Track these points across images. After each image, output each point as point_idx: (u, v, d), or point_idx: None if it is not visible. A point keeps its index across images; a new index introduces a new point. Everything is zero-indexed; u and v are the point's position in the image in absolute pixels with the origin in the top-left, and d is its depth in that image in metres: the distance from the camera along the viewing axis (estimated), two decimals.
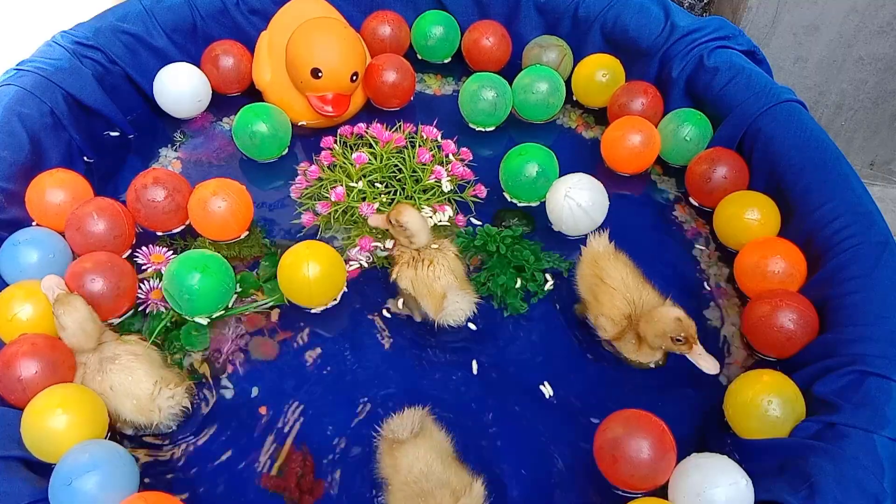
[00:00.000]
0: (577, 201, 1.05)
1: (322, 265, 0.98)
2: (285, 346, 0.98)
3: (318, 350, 0.98)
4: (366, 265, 1.07)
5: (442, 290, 0.98)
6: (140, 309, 1.00)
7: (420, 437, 0.81)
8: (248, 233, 1.11)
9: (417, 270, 1.00)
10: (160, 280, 1.01)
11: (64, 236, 1.03)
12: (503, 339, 1.00)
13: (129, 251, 1.07)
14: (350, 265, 1.07)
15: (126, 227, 1.04)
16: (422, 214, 1.03)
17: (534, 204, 1.16)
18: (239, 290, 1.03)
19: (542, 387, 0.95)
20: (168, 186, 1.06)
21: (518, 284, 1.05)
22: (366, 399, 0.93)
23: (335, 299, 1.03)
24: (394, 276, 1.01)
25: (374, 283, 1.06)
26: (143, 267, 1.04)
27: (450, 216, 1.13)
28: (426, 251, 1.01)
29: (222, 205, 1.05)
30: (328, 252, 1.00)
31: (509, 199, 1.17)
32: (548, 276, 1.06)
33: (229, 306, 1.01)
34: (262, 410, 0.92)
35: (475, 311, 1.00)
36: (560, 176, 1.11)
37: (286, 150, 1.26)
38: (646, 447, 0.79)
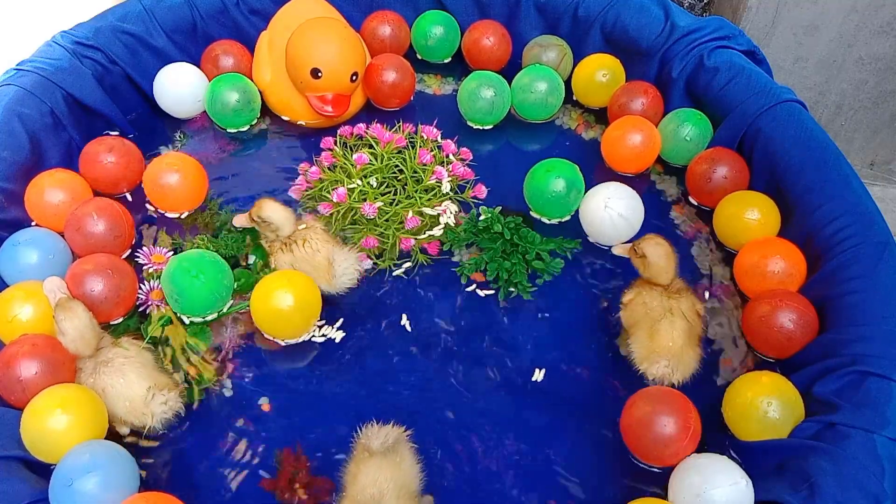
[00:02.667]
0: (617, 211, 1.05)
1: (296, 296, 0.95)
2: (285, 347, 0.98)
3: (319, 351, 0.98)
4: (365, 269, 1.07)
5: (326, 260, 1.00)
6: (140, 310, 1.00)
7: (388, 459, 0.79)
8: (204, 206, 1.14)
9: (294, 252, 1.01)
10: (160, 280, 1.00)
11: (63, 237, 1.03)
12: (509, 335, 1.01)
13: (129, 251, 1.07)
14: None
15: (126, 227, 1.04)
16: (282, 205, 1.03)
17: (565, 219, 1.14)
18: (237, 287, 1.03)
19: (536, 370, 0.96)
20: (119, 152, 1.12)
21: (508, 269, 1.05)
22: (365, 400, 0.94)
23: (308, 333, 0.99)
24: (273, 265, 1.03)
25: (376, 285, 1.06)
26: (144, 267, 1.04)
27: (454, 213, 1.13)
28: (297, 233, 1.03)
29: (175, 177, 1.08)
30: (305, 283, 0.97)
31: (537, 218, 1.15)
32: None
33: (223, 311, 1.01)
34: (263, 409, 0.92)
35: (363, 271, 1.03)
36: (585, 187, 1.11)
37: (256, 120, 1.30)
38: (672, 422, 0.81)
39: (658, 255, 0.96)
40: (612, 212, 1.05)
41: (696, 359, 0.93)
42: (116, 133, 1.27)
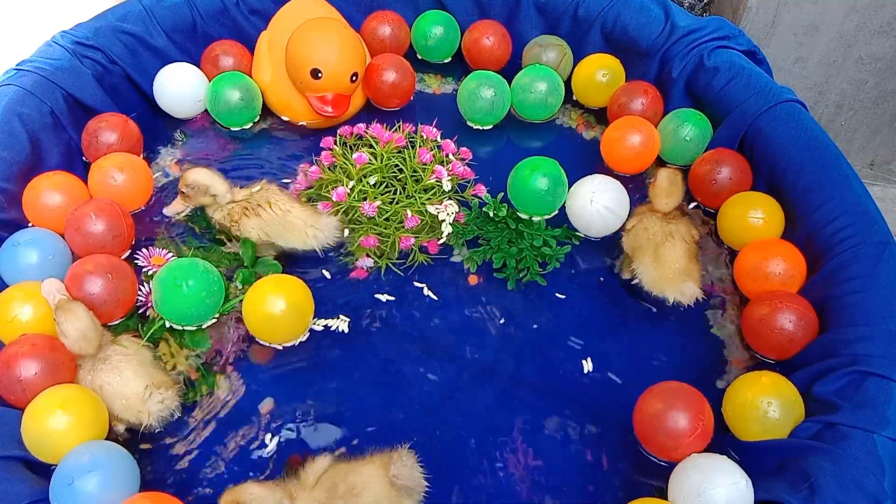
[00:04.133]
0: (603, 204, 1.06)
1: (288, 301, 0.94)
2: (286, 349, 0.98)
3: (322, 352, 0.98)
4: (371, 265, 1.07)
5: (301, 220, 1.02)
6: (139, 311, 1.00)
7: (390, 490, 0.77)
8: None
9: (262, 216, 1.02)
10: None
11: (63, 237, 1.03)
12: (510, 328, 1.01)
13: (129, 252, 1.07)
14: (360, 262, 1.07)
15: (125, 227, 1.04)
16: (205, 167, 1.05)
17: (546, 217, 1.13)
18: (240, 286, 1.03)
19: (584, 361, 0.98)
20: (117, 129, 1.16)
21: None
22: (367, 402, 0.94)
23: (303, 335, 0.99)
24: (239, 233, 1.04)
25: (378, 286, 1.06)
26: (144, 269, 1.04)
27: (454, 212, 1.13)
28: (256, 196, 1.04)
29: (120, 177, 1.09)
30: (296, 286, 0.97)
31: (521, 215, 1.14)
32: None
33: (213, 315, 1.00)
34: (264, 410, 0.92)
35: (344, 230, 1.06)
36: (569, 183, 1.11)
37: (257, 119, 1.30)
38: (684, 418, 0.82)
39: (662, 178, 1.04)
40: (598, 205, 1.06)
41: (698, 274, 1.01)
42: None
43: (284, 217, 1.03)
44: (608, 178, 1.08)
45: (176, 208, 1.06)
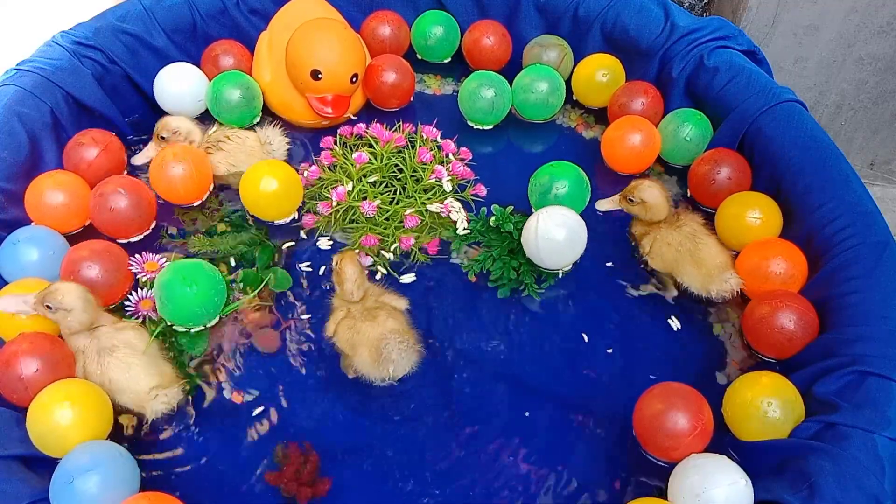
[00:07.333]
0: (541, 228, 0.99)
1: (279, 181, 1.07)
2: (287, 346, 0.99)
3: (322, 352, 0.98)
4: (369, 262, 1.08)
5: (256, 142, 1.17)
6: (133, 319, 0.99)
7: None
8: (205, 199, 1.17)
9: (224, 147, 1.15)
10: (152, 289, 0.99)
11: (64, 236, 1.03)
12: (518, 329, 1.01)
13: (150, 230, 1.10)
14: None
15: (147, 205, 1.08)
16: (181, 117, 1.19)
17: None
18: (241, 286, 1.03)
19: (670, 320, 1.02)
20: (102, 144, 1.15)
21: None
22: (367, 401, 0.94)
23: (293, 216, 1.12)
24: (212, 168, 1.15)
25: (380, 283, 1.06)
26: (138, 275, 1.03)
27: (459, 208, 1.13)
28: (213, 136, 1.18)
29: (181, 168, 1.10)
30: (286, 169, 1.09)
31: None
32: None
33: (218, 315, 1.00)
34: (262, 410, 0.92)
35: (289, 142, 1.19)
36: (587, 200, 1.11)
37: (258, 117, 1.31)
38: (683, 418, 0.82)
39: (655, 196, 1.03)
40: (535, 224, 1.00)
41: (730, 256, 1.03)
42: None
43: (244, 143, 1.15)
44: (575, 225, 1.01)
45: (149, 154, 1.15)
